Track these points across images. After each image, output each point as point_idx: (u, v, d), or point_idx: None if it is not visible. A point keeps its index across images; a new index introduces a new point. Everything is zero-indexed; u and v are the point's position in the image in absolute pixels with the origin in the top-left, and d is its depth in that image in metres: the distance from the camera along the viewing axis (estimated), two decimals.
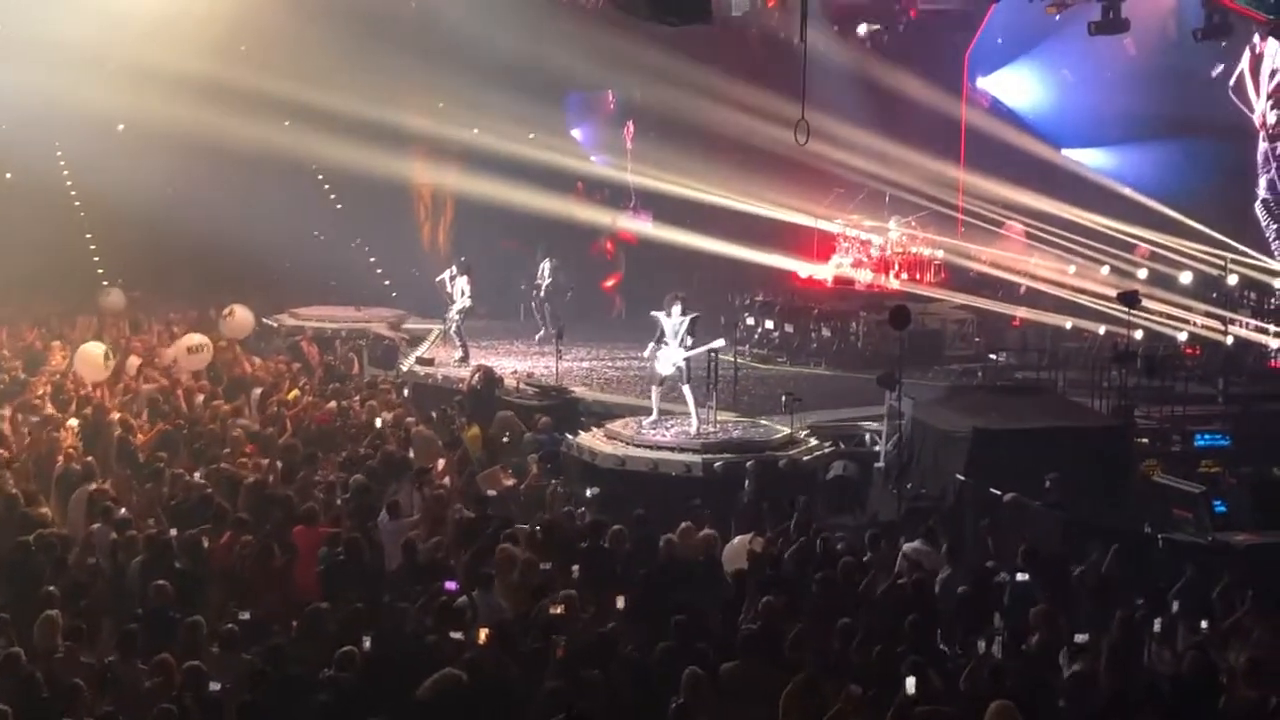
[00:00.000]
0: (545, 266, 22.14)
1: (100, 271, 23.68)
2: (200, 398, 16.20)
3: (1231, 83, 24.38)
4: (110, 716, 7.74)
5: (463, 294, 19.73)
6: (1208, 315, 21.75)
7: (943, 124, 25.71)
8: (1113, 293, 19.12)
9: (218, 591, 10.18)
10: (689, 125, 24.38)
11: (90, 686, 8.08)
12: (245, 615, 9.24)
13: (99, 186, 22.94)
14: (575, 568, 10.41)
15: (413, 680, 8.09)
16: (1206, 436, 16.32)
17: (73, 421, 14.45)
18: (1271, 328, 21.65)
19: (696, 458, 14.68)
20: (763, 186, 23.79)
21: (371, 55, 22.77)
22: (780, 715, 7.92)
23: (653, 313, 15.67)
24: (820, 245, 24.73)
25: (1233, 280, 22.29)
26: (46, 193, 23.36)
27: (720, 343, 15.97)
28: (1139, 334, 19.62)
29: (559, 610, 9.22)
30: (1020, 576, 10.53)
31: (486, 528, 11.26)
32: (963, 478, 13.98)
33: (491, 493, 13.29)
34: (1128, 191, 24.89)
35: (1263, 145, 24.35)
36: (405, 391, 18.56)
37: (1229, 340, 21.00)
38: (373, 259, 25.96)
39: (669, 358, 15.34)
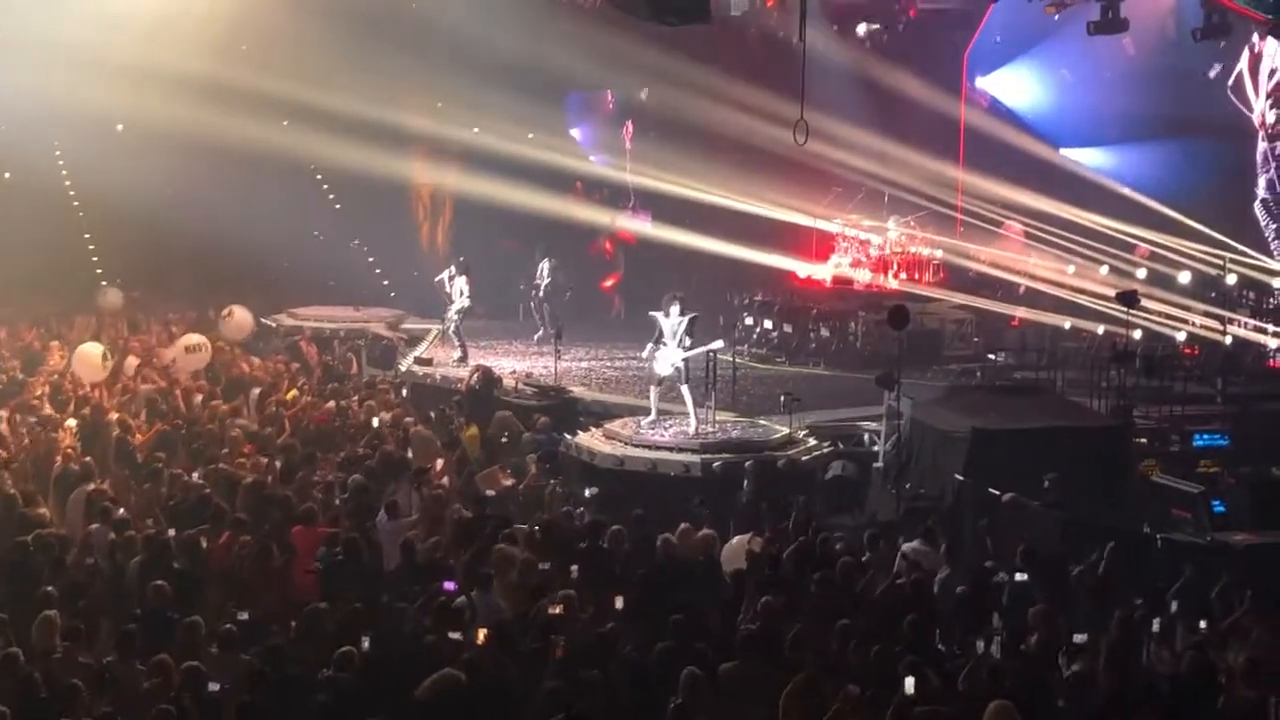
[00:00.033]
0: (544, 266, 22.10)
1: (99, 271, 23.65)
2: (199, 398, 16.22)
3: (1230, 82, 24.38)
4: (109, 717, 7.74)
5: (461, 294, 19.72)
6: (1206, 315, 21.71)
7: (942, 124, 25.69)
8: (1111, 292, 19.06)
9: (216, 592, 10.18)
10: (688, 125, 24.38)
11: (88, 687, 8.08)
12: (244, 615, 9.25)
13: (98, 186, 22.90)
14: (574, 568, 10.38)
15: (411, 680, 8.08)
16: (1205, 436, 16.33)
17: (71, 422, 14.46)
18: (1270, 327, 21.63)
19: (695, 458, 14.67)
20: (762, 186, 23.76)
21: (371, 55, 22.76)
22: (779, 715, 7.92)
23: (651, 313, 15.67)
24: (819, 245, 24.68)
25: (1231, 280, 22.27)
26: (46, 193, 23.33)
27: (719, 344, 15.96)
28: (1138, 334, 19.55)
29: (558, 610, 9.20)
30: (1019, 576, 10.52)
31: (485, 528, 11.23)
32: (961, 478, 13.96)
33: (490, 493, 13.28)
34: (1127, 191, 24.87)
35: (1261, 145, 24.35)
36: (404, 391, 18.57)
37: (1228, 340, 20.97)
38: (371, 259, 25.93)
39: (667, 358, 15.33)
